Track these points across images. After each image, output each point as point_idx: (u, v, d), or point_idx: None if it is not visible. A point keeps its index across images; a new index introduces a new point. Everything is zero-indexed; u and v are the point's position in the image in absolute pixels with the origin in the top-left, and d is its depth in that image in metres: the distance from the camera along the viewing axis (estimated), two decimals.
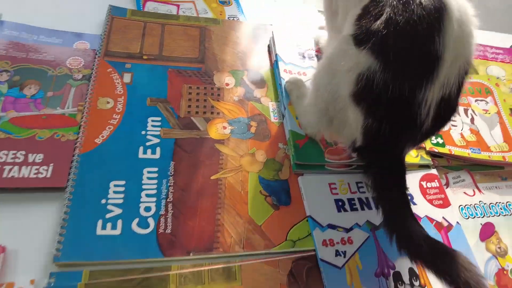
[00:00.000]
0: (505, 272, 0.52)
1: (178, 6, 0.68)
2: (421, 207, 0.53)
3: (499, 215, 0.57)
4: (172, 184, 0.46)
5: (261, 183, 0.50)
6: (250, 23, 0.70)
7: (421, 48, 0.39)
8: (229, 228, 0.44)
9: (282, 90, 0.59)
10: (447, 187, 0.58)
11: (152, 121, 0.51)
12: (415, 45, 0.39)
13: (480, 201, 0.58)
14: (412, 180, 0.56)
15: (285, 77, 0.60)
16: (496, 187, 0.61)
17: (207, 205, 0.45)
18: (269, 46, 0.67)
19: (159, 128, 0.50)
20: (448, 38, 0.39)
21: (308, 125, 0.53)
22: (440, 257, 0.39)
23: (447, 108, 0.43)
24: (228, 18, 0.70)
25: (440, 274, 0.38)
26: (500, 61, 0.79)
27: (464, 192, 0.59)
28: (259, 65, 0.64)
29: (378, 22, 0.40)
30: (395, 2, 0.40)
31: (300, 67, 0.63)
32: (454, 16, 0.39)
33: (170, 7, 0.67)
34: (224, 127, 0.54)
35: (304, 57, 0.65)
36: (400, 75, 0.40)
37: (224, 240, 0.43)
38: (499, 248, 0.54)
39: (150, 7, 0.66)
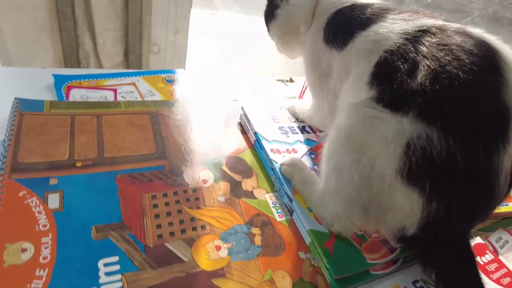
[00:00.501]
0: None
1: (115, 91, 0.53)
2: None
3: None
4: None
5: None
6: (209, 100, 0.57)
7: (487, 102, 0.30)
8: None
9: (279, 176, 0.44)
10: (497, 254, 0.47)
11: (105, 265, 0.31)
12: (480, 99, 0.30)
13: None
14: None
15: (275, 158, 0.46)
16: None
17: None
18: (241, 125, 0.54)
19: (119, 276, 0.31)
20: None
21: (333, 219, 0.38)
22: None
23: None
24: (181, 97, 0.56)
25: None
26: None
27: None
28: (236, 148, 0.49)
29: (419, 78, 0.31)
30: (434, 52, 0.32)
31: (287, 144, 0.50)
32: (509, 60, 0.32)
33: (104, 93, 0.51)
34: (218, 247, 0.36)
35: (286, 131, 0.53)
36: (470, 139, 0.29)
37: None
38: None
39: (76, 95, 0.49)
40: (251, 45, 1.64)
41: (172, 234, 0.36)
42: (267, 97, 0.64)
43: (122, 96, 0.52)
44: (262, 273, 0.35)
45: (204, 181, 0.43)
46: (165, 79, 0.59)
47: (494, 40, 0.34)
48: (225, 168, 0.45)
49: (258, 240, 0.38)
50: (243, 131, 0.53)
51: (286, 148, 0.49)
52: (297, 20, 0.49)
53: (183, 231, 0.36)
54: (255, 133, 0.50)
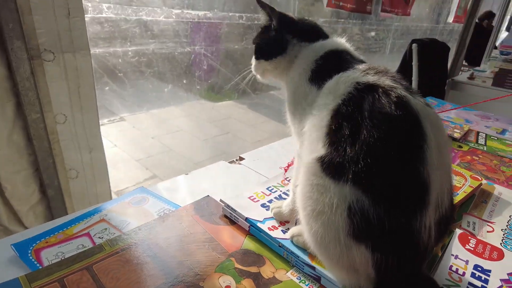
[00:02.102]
0: None
1: (88, 235, 0.49)
2: (495, 272, 0.47)
3: None
4: None
5: None
6: (188, 207, 0.57)
7: (409, 176, 0.36)
8: None
9: (290, 251, 0.46)
10: (473, 237, 0.55)
11: None
12: (402, 174, 0.36)
13: (502, 229, 0.58)
14: (459, 250, 0.50)
15: (276, 235, 0.48)
16: (491, 211, 0.63)
17: None
18: (226, 216, 0.55)
19: None
20: (432, 160, 0.36)
21: (342, 281, 0.42)
22: None
23: (445, 221, 0.39)
24: (158, 214, 0.55)
25: None
26: None
27: (487, 231, 0.57)
28: (233, 243, 0.50)
29: (357, 147, 0.36)
30: (373, 119, 0.37)
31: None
32: (433, 141, 0.37)
33: (79, 241, 0.48)
34: None
35: (267, 205, 0.56)
36: (394, 207, 0.35)
37: None
38: None
39: (50, 256, 0.45)
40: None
41: None
42: (231, 182, 0.67)
43: (99, 237, 0.49)
44: None
45: (228, 287, 0.42)
46: (131, 203, 0.57)
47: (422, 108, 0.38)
48: (238, 266, 0.45)
49: None
50: (231, 222, 0.54)
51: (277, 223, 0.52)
52: (299, 59, 0.50)
53: None
54: (247, 219, 0.51)
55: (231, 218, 0.54)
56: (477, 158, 0.85)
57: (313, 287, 0.43)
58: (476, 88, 1.98)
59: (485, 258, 0.50)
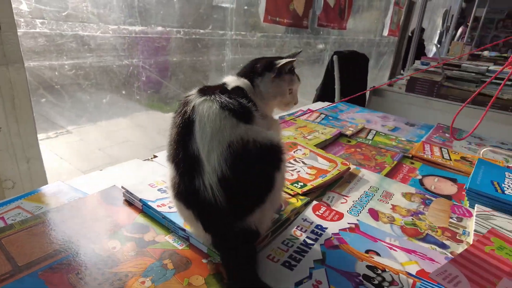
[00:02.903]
0: (403, 227, 0.66)
1: (2, 218, 0.58)
2: (331, 228, 0.63)
3: (369, 202, 0.74)
4: None
5: None
6: (94, 196, 0.68)
7: (185, 151, 0.51)
8: None
9: (170, 219, 0.59)
10: (330, 207, 0.71)
11: None
12: (182, 150, 0.51)
13: (353, 201, 0.74)
14: (310, 215, 0.66)
15: (163, 210, 0.61)
16: (351, 188, 0.79)
17: None
18: (127, 200, 0.67)
19: None
20: (198, 139, 0.50)
21: (198, 237, 0.57)
22: None
23: (237, 183, 0.49)
24: (67, 200, 0.65)
25: None
26: (283, 128, 1.09)
27: (341, 202, 0.73)
28: (126, 219, 0.62)
29: (169, 138, 0.54)
30: (177, 120, 0.53)
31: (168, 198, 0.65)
32: (197, 126, 0.50)
33: None
34: (142, 282, 0.47)
35: (165, 190, 0.68)
36: (182, 175, 0.51)
37: None
38: (388, 217, 0.69)
39: None
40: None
41: None
42: (141, 175, 0.78)
43: (12, 220, 0.58)
44: (181, 283, 0.48)
45: (114, 248, 0.53)
46: (46, 193, 0.67)
47: (200, 105, 0.51)
48: (125, 233, 0.57)
49: (170, 266, 0.51)
50: (129, 204, 0.66)
51: (169, 200, 0.64)
52: None
53: (111, 283, 0.46)
54: (140, 200, 0.63)
55: (129, 201, 0.66)
56: (360, 150, 1.03)
57: (183, 245, 0.56)
58: (394, 94, 2.25)
59: (327, 220, 0.65)
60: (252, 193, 0.52)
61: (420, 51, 4.58)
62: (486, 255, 0.50)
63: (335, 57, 1.95)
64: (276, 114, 1.20)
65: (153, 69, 1.93)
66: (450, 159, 1.01)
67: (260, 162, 0.51)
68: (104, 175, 0.79)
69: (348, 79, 1.99)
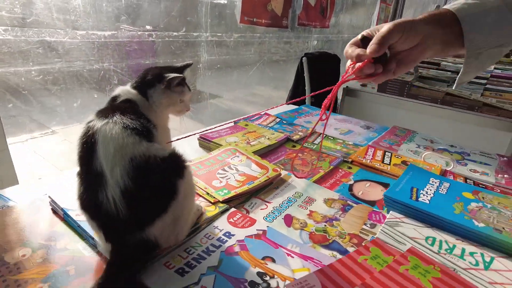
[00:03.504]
0: (313, 233, 0.70)
1: None
2: (239, 235, 0.67)
3: (288, 208, 0.78)
4: None
5: None
6: (22, 204, 0.73)
7: (89, 167, 0.55)
8: None
9: (83, 229, 0.63)
10: (249, 213, 0.75)
11: None
12: (86, 166, 0.56)
13: (273, 207, 0.78)
14: (223, 222, 0.70)
15: (77, 218, 0.65)
16: (276, 194, 0.83)
17: None
18: (53, 210, 0.71)
19: None
20: (102, 156, 0.54)
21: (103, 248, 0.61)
22: None
23: (138, 194, 0.53)
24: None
25: None
26: (231, 134, 1.14)
27: (261, 208, 0.77)
28: (46, 227, 0.66)
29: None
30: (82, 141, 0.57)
31: None
32: (100, 145, 0.54)
33: None
34: (41, 287, 0.52)
35: None
36: (87, 188, 0.56)
37: None
38: (301, 224, 0.73)
39: None
40: None
41: None
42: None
43: None
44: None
45: (24, 255, 0.58)
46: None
47: (102, 127, 0.55)
48: (39, 241, 0.62)
49: (72, 271, 0.55)
50: (55, 212, 0.70)
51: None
52: None
53: None
54: (62, 209, 0.68)
55: (54, 210, 0.70)
56: (301, 155, 1.07)
57: (92, 252, 0.60)
58: (366, 94, 2.28)
59: (237, 227, 0.69)
60: (154, 203, 0.56)
61: None
62: (357, 265, 0.54)
63: (304, 59, 1.98)
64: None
65: (125, 73, 1.96)
66: (390, 164, 1.05)
67: (161, 172, 0.56)
68: (43, 184, 0.83)
69: (318, 80, 2.03)
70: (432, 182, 0.87)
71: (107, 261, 0.57)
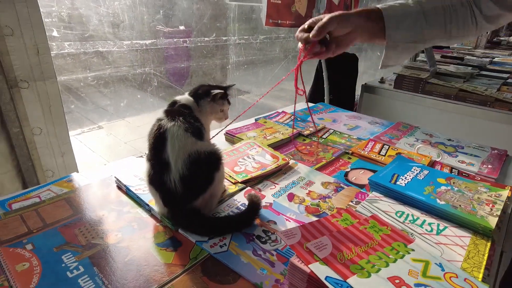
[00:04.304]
0: (308, 206, 0.92)
1: (39, 197, 0.92)
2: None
3: (292, 188, 1.00)
4: None
5: (159, 246, 0.76)
6: (95, 183, 1.00)
7: (159, 155, 0.77)
8: None
9: (142, 199, 0.89)
10: (261, 191, 0.98)
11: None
12: (157, 155, 0.78)
13: (280, 188, 1.00)
14: (240, 197, 0.94)
15: (139, 192, 0.91)
16: (283, 178, 1.05)
17: None
18: (117, 186, 0.98)
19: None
20: (170, 150, 0.75)
21: (159, 211, 0.86)
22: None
23: (191, 180, 0.75)
24: (79, 186, 0.98)
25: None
26: (251, 130, 1.37)
27: (270, 188, 1.00)
28: (115, 199, 0.93)
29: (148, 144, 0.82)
30: (155, 135, 0.80)
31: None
32: (169, 142, 0.75)
33: (34, 199, 0.90)
34: (117, 234, 0.78)
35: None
36: (156, 171, 0.79)
37: None
38: (300, 199, 0.95)
39: (16, 206, 0.87)
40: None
41: None
42: (133, 168, 1.09)
43: (44, 197, 0.91)
44: (140, 235, 0.78)
45: (103, 214, 0.85)
46: (67, 180, 1.00)
47: (171, 128, 0.76)
48: (112, 206, 0.88)
49: (135, 226, 0.81)
50: (119, 188, 0.97)
51: (144, 186, 0.95)
52: None
53: (96, 233, 0.78)
54: (125, 185, 0.94)
55: (119, 186, 0.97)
56: (309, 147, 1.28)
57: (147, 215, 0.86)
58: (383, 90, 2.42)
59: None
60: (199, 186, 0.80)
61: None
62: (330, 223, 0.75)
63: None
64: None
65: (163, 75, 2.25)
66: (385, 155, 1.23)
67: (206, 166, 0.80)
68: (107, 168, 1.11)
69: (336, 78, 2.20)
70: (414, 170, 1.05)
71: (160, 225, 0.82)
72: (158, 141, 0.79)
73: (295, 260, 0.62)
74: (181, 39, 2.24)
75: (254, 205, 0.83)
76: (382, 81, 2.50)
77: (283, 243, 0.77)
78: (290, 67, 3.24)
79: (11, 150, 1.58)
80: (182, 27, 2.26)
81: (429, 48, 2.32)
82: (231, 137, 1.33)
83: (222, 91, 0.92)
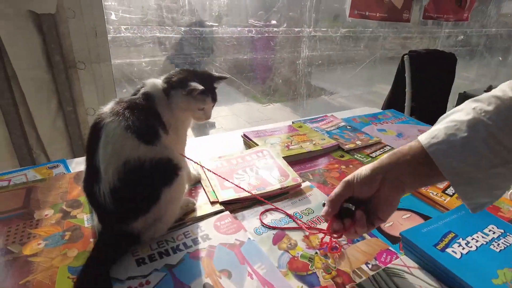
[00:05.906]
0: (295, 258, 0.63)
1: (9, 180, 0.85)
2: (214, 240, 0.66)
3: (287, 224, 0.72)
4: None
5: (70, 271, 0.58)
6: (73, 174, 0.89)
7: (91, 162, 0.60)
8: None
9: None
10: (243, 220, 0.73)
11: None
12: (90, 161, 0.61)
13: (271, 219, 0.73)
14: (208, 224, 0.70)
15: None
16: (285, 205, 0.78)
17: None
18: None
19: None
20: (101, 154, 0.59)
21: None
22: None
23: (124, 194, 0.59)
24: (55, 175, 0.88)
25: None
26: (275, 135, 1.11)
27: (258, 218, 0.74)
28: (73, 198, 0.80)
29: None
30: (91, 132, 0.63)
31: None
32: (102, 143, 0.59)
33: (2, 183, 0.83)
34: (39, 244, 0.64)
35: None
36: (87, 180, 0.62)
37: None
38: (290, 244, 0.67)
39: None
40: None
41: (13, 242, 0.64)
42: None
43: (14, 182, 0.84)
44: (60, 251, 0.62)
45: (46, 215, 0.72)
46: (48, 167, 0.92)
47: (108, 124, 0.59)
48: (63, 207, 0.75)
49: (67, 237, 0.66)
50: None
51: None
52: None
53: (21, 239, 0.65)
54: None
55: None
56: (343, 167, 0.96)
57: (89, 225, 0.70)
58: None
59: (219, 232, 0.68)
60: (137, 203, 0.61)
61: None
62: None
63: (406, 58, 1.71)
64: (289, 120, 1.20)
65: (223, 66, 2.11)
66: (452, 195, 0.84)
67: (150, 178, 0.60)
68: None
69: (422, 82, 1.73)
70: (488, 231, 0.66)
71: (94, 240, 0.65)
72: (92, 140, 0.61)
73: None
74: (246, 29, 2.07)
75: None
76: (489, 90, 1.89)
77: None
78: (377, 67, 2.77)
79: (66, 128, 1.65)
80: (251, 20, 2.09)
81: None
82: (248, 141, 1.09)
83: (201, 87, 0.69)
